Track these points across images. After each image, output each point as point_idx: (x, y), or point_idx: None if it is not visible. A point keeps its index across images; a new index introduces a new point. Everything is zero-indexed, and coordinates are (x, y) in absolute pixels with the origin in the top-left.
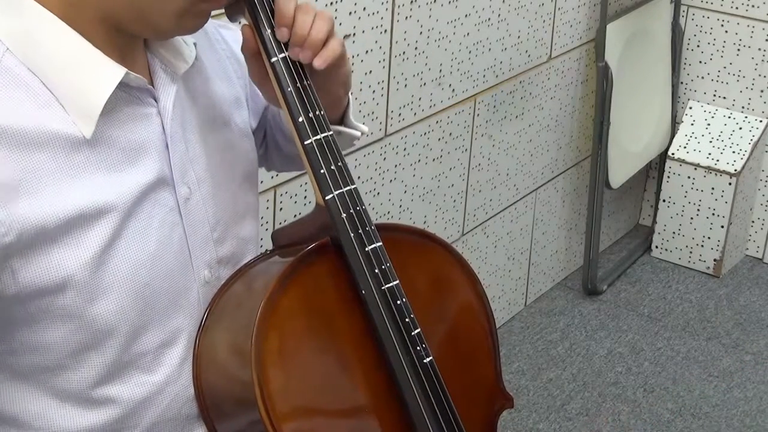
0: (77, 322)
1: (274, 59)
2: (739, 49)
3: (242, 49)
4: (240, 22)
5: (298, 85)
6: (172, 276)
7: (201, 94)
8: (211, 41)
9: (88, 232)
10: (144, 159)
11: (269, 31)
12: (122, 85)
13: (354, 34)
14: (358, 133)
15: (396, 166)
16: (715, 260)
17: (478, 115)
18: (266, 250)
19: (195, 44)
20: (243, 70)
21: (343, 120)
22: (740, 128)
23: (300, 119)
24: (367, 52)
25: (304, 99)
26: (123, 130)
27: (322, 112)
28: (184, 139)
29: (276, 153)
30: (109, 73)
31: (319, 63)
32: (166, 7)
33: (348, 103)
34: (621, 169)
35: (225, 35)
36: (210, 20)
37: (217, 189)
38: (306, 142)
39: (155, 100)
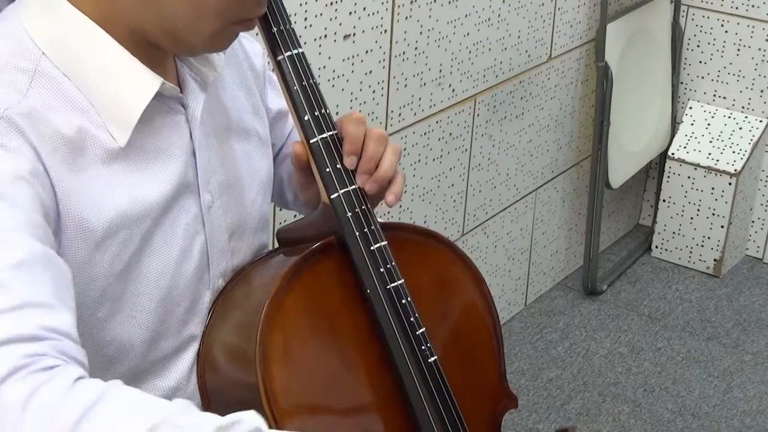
0: (104, 336)
1: (280, 57)
2: (739, 49)
3: (293, 163)
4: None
5: (304, 83)
6: (190, 284)
7: (223, 102)
8: (233, 49)
9: (125, 239)
10: (172, 165)
11: (275, 29)
12: (156, 95)
13: (354, 34)
14: None
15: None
16: (715, 260)
17: (478, 115)
18: (270, 248)
19: (223, 52)
20: (259, 82)
21: None
22: (740, 128)
23: (306, 117)
24: (367, 52)
25: (310, 97)
26: (153, 137)
27: (327, 111)
28: (208, 146)
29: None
30: (146, 83)
31: (391, 199)
32: (199, 29)
33: None
34: (621, 169)
35: (245, 45)
36: None
37: (236, 197)
38: (311, 141)
39: (183, 107)
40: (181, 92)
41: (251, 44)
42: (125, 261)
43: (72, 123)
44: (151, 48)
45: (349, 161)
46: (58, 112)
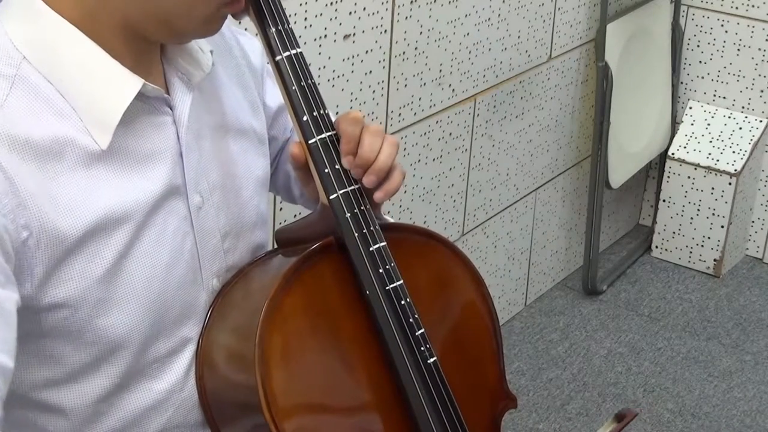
0: (90, 336)
1: (278, 57)
2: (739, 49)
3: (292, 163)
4: (240, 22)
5: (303, 83)
6: (183, 286)
7: (216, 101)
8: (229, 47)
9: (105, 242)
10: (158, 168)
11: (273, 29)
12: (139, 95)
13: (354, 34)
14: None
15: None
16: (715, 260)
17: (478, 115)
18: (269, 249)
19: (212, 51)
20: (257, 80)
21: None
22: (740, 128)
23: (304, 118)
24: (367, 52)
25: (309, 98)
26: (138, 139)
27: (325, 111)
28: (198, 147)
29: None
30: (127, 84)
31: (380, 196)
32: (193, 14)
33: None
34: (621, 169)
35: (242, 42)
36: (227, 27)
37: (230, 197)
38: (310, 142)
39: (170, 108)
40: (168, 93)
41: (250, 42)
42: (106, 265)
43: (50, 128)
44: (138, 44)
45: (347, 161)
46: (37, 118)
